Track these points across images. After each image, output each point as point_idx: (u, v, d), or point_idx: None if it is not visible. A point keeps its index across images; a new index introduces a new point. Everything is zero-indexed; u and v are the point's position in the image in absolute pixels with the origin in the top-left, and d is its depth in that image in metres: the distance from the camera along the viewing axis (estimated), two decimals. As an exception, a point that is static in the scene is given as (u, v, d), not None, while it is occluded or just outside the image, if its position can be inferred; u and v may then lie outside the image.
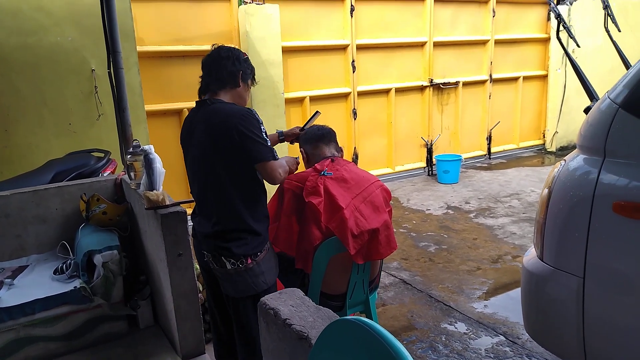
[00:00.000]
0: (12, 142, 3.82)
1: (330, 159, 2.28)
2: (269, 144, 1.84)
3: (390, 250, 2.18)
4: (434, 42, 6.29)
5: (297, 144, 2.48)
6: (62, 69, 3.90)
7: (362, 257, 2.12)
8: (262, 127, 1.84)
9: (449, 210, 5.05)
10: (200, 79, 2.01)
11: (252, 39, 4.83)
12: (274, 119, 5.03)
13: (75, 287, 2.38)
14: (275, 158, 1.84)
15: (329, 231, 2.09)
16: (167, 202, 2.21)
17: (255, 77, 2.06)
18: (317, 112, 2.46)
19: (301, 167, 2.37)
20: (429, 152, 6.50)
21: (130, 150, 2.52)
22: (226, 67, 1.94)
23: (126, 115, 3.02)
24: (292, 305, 1.13)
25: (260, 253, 1.93)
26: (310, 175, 2.20)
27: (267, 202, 2.09)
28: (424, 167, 6.58)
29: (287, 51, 5.26)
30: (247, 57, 2.03)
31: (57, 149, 3.80)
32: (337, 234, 2.06)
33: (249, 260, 1.89)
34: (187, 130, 2.02)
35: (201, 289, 2.36)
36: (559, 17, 2.80)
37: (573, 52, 6.39)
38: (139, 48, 4.32)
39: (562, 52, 6.97)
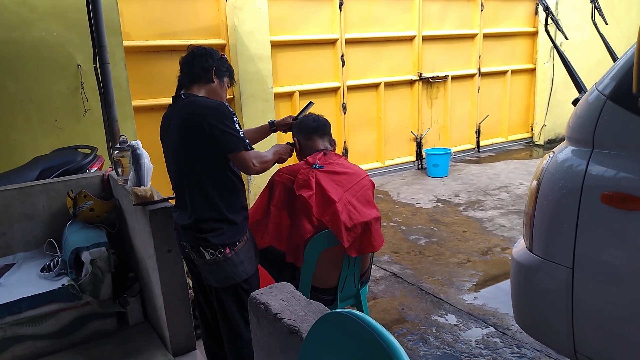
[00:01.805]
0: (-4, 138, 3.76)
1: (322, 152, 2.27)
2: (241, 135, 1.84)
3: (381, 243, 2.19)
4: (423, 36, 6.30)
5: (289, 134, 2.46)
6: (47, 65, 3.84)
7: (356, 250, 2.12)
8: (234, 118, 1.84)
9: (438, 204, 5.06)
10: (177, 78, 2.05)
11: (241, 33, 4.80)
12: (263, 113, 5.01)
13: (63, 284, 2.36)
14: (247, 148, 1.84)
15: (320, 225, 2.08)
16: (156, 198, 2.24)
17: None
18: (310, 102, 2.43)
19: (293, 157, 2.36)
20: (419, 146, 6.51)
21: (118, 145, 2.51)
22: (199, 63, 1.98)
23: (113, 111, 3.01)
24: (283, 300, 1.12)
25: (238, 243, 1.93)
26: (301, 168, 2.18)
27: (249, 193, 2.06)
28: (414, 161, 6.59)
29: (276, 45, 5.24)
30: (224, 57, 2.06)
31: (44, 146, 3.74)
32: (330, 227, 2.06)
33: (227, 250, 1.90)
34: (163, 126, 2.04)
35: (191, 285, 2.34)
36: (547, 9, 2.81)
37: (561, 44, 6.43)
38: (126, 43, 4.26)
39: (550, 45, 7.03)
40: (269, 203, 2.18)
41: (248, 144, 1.85)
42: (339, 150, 5.98)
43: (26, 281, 2.43)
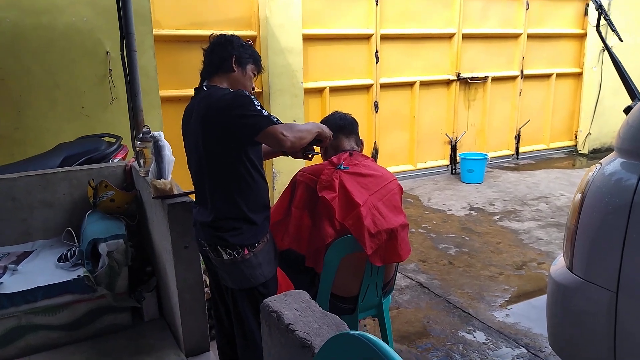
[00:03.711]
0: (23, 124, 3.85)
1: (348, 153, 2.24)
2: (265, 113, 1.80)
3: (408, 252, 2.14)
4: (462, 34, 6.19)
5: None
6: (75, 51, 3.92)
7: (380, 259, 2.07)
8: (254, 101, 1.80)
9: (471, 212, 5.01)
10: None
11: (272, 25, 4.80)
12: (292, 109, 5.00)
13: (78, 275, 2.38)
14: (273, 122, 1.79)
15: (343, 229, 2.04)
16: (175, 192, 2.23)
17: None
18: (313, 150, 2.25)
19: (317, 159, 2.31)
20: (453, 149, 6.45)
21: (140, 136, 2.51)
22: (218, 53, 1.96)
23: (138, 100, 3.04)
24: (297, 309, 1.08)
25: (257, 244, 1.91)
26: (325, 169, 2.16)
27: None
28: (447, 165, 6.54)
29: (308, 39, 5.22)
30: (247, 44, 2.03)
31: (69, 133, 3.81)
32: (352, 232, 2.02)
33: (246, 251, 1.89)
34: (185, 119, 2.04)
35: (208, 283, 2.33)
36: (600, 8, 2.68)
37: (612, 47, 6.18)
38: (156, 31, 4.31)
39: (599, 49, 6.78)
40: (290, 204, 2.15)
41: (274, 119, 1.81)
42: (368, 150, 5.94)
43: (43, 269, 2.46)
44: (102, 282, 2.42)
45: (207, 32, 4.59)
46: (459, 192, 5.70)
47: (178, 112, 2.16)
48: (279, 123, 1.82)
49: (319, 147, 2.24)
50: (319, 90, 5.50)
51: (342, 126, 2.29)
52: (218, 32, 4.57)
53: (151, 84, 4.14)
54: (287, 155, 2.26)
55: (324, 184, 2.09)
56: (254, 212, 1.91)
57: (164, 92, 4.48)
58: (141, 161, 2.55)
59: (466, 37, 6.24)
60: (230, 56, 1.95)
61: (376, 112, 5.89)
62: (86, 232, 2.56)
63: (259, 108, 1.80)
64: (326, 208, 2.05)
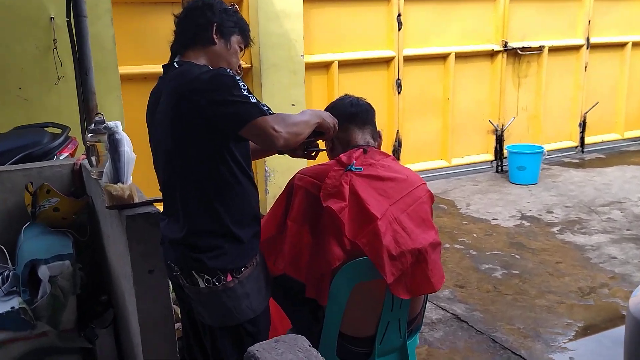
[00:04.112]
0: (-58, 110, 3.87)
1: (362, 149, 2.21)
2: (254, 100, 1.80)
3: (441, 280, 2.11)
4: (511, -8, 6.21)
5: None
6: (10, 16, 3.90)
7: (405, 289, 2.04)
8: (239, 84, 1.80)
9: (523, 222, 4.99)
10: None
11: (264, -18, 4.81)
12: (289, 89, 5.01)
13: (12, 308, 2.38)
14: (264, 112, 1.79)
15: (355, 249, 2.01)
16: (136, 200, 2.23)
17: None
18: (317, 145, 2.30)
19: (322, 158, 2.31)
20: (499, 140, 6.44)
21: (92, 126, 2.52)
22: (194, 20, 1.96)
23: (90, 79, 3.06)
24: (292, 362, 1.04)
25: (244, 268, 1.91)
26: (332, 170, 2.12)
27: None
28: (491, 161, 6.55)
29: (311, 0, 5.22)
30: (231, 8, 2.05)
31: (2, 121, 3.80)
32: (367, 253, 1.99)
33: (229, 277, 1.88)
34: (151, 104, 2.04)
35: (180, 317, 2.32)
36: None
37: None
38: (113, -10, 4.31)
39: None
40: (286, 215, 2.13)
41: (265, 108, 1.81)
42: (388, 143, 5.93)
43: (-34, 300, 2.45)
44: (43, 316, 2.42)
45: (180, -8, 4.66)
46: (506, 195, 5.64)
47: (144, 95, 2.17)
48: (270, 113, 1.81)
49: (324, 142, 2.24)
50: (325, 66, 5.48)
51: (353, 114, 2.26)
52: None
53: (108, 59, 4.13)
54: (282, 154, 2.24)
55: (329, 190, 2.07)
56: (240, 226, 1.91)
57: (125, 69, 4.47)
58: (93, 159, 2.55)
59: (515, -5, 6.24)
60: (210, 24, 1.96)
61: (399, 92, 5.85)
62: (22, 250, 2.54)
63: (245, 93, 1.80)
64: (333, 222, 2.02)
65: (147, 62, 4.62)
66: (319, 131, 2.04)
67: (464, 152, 6.41)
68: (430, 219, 2.18)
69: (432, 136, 6.21)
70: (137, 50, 4.61)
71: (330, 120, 2.06)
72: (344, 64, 5.53)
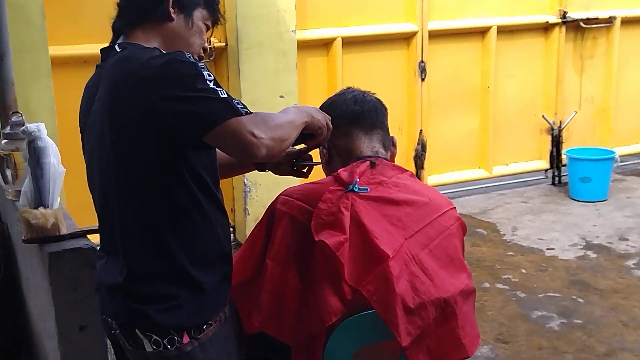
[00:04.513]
0: None
1: (368, 162, 2.21)
2: (223, 95, 1.77)
3: (476, 341, 2.12)
4: (570, -55, 6.26)
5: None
6: None
7: (427, 354, 2.01)
8: (204, 73, 1.78)
9: (588, 252, 4.96)
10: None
11: None
12: (277, 75, 4.98)
13: None
14: (238, 112, 1.76)
15: (358, 299, 2.00)
16: (63, 230, 2.26)
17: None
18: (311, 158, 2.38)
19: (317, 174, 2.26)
20: (556, 143, 6.46)
21: (7, 130, 2.60)
22: None
23: (7, 65, 3.10)
24: None
25: (207, 326, 1.90)
26: (327, 191, 2.11)
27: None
28: (546, 170, 6.59)
29: (304, -43, 5.27)
30: None
31: None
32: (375, 305, 1.98)
33: (185, 338, 1.86)
34: (84, 103, 2.03)
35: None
36: None
37: None
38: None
39: None
40: (265, 252, 2.10)
41: (240, 106, 1.78)
42: (409, 146, 5.93)
43: None
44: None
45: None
46: (566, 216, 5.63)
47: (81, 84, 2.17)
48: (246, 113, 1.78)
49: (320, 150, 2.27)
50: (325, 44, 5.49)
51: (357, 114, 2.26)
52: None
53: (35, 37, 4.09)
54: (263, 170, 2.22)
55: (324, 218, 2.05)
56: (201, 267, 1.91)
57: (57, 50, 4.44)
58: (9, 173, 2.63)
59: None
60: None
61: (422, 79, 5.84)
62: None
63: (211, 85, 1.77)
64: (328, 262, 2.00)
65: (88, 40, 4.54)
66: (306, 133, 2.00)
67: (509, 158, 6.43)
68: (460, 257, 2.18)
69: (466, 137, 6.22)
70: (75, 26, 4.60)
71: (321, 117, 2.04)
72: (350, 42, 5.52)
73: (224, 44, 4.97)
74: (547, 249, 5.01)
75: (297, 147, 2.23)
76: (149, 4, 1.96)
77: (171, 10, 1.95)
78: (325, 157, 2.30)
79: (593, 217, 5.59)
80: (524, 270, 4.67)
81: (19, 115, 2.55)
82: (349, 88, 2.36)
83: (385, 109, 2.34)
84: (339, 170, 2.15)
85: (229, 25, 4.87)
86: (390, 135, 2.35)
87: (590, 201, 5.92)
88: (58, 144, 3.64)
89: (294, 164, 2.22)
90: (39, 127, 2.32)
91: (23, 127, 2.41)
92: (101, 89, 1.90)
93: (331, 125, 2.09)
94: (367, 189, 2.10)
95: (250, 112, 1.79)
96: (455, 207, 2.24)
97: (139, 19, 1.97)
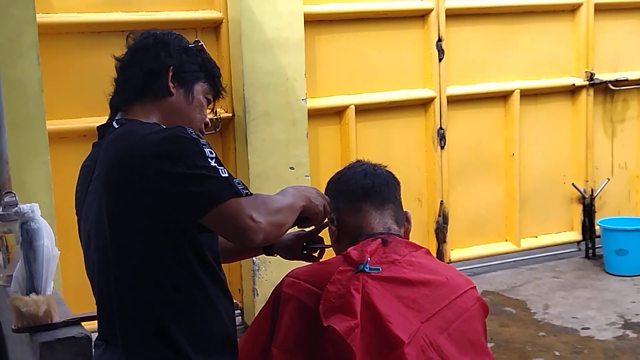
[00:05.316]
0: None
1: (380, 239, 2.20)
2: (224, 175, 1.80)
3: None
4: (595, 4, 6.27)
5: None
6: None
7: None
8: (205, 150, 1.81)
9: (627, 332, 4.92)
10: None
11: (249, 1, 4.86)
12: (287, 145, 5.03)
13: None
14: (238, 193, 1.79)
15: None
16: (56, 318, 2.22)
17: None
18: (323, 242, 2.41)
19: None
20: (588, 212, 6.49)
21: (0, 211, 2.59)
22: (141, 64, 2.00)
23: (1, 142, 3.13)
24: None
25: None
26: (336, 271, 2.09)
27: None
28: (578, 242, 6.59)
29: (314, 22, 5.33)
30: (197, 46, 2.11)
31: None
32: None
33: None
34: (81, 183, 2.06)
35: None
36: None
37: None
38: (42, 17, 4.38)
39: None
40: (270, 340, 2.09)
41: (240, 186, 1.80)
42: (430, 218, 5.91)
43: None
44: None
45: (134, 17, 4.71)
46: (601, 292, 5.61)
47: (79, 160, 2.20)
48: (247, 194, 1.80)
49: (329, 228, 2.26)
50: (337, 112, 5.56)
51: (367, 189, 2.27)
52: (155, 16, 4.61)
53: (32, 110, 4.14)
54: (271, 255, 2.34)
55: (333, 301, 2.03)
56: (204, 355, 1.90)
57: (54, 124, 4.50)
58: (0, 257, 2.62)
59: (601, 8, 6.32)
60: (164, 68, 2.00)
61: (442, 147, 5.91)
62: None
63: (212, 163, 1.79)
64: (338, 349, 1.97)
65: (88, 113, 4.63)
66: (303, 217, 2.03)
67: (538, 230, 6.42)
68: (483, 340, 2.15)
69: (491, 208, 6.24)
70: (74, 98, 4.66)
71: (319, 201, 2.07)
72: (364, 110, 5.60)
73: (230, 114, 5.02)
74: (582, 328, 4.97)
75: (307, 229, 2.25)
76: (147, 78, 1.99)
77: (170, 84, 1.99)
78: (334, 235, 2.28)
79: (632, 292, 5.57)
80: (557, 353, 4.63)
81: (12, 195, 2.56)
82: (358, 161, 2.39)
83: (398, 182, 2.36)
84: (349, 249, 2.14)
85: (235, 94, 4.95)
86: (404, 209, 2.35)
87: (628, 275, 5.90)
88: (55, 223, 3.70)
89: (305, 247, 2.24)
90: (32, 208, 2.31)
91: (16, 208, 2.39)
92: (98, 167, 1.92)
93: (329, 209, 2.11)
94: (379, 269, 2.09)
95: (251, 194, 1.81)
96: (475, 287, 2.22)
97: (137, 94, 2.00)
